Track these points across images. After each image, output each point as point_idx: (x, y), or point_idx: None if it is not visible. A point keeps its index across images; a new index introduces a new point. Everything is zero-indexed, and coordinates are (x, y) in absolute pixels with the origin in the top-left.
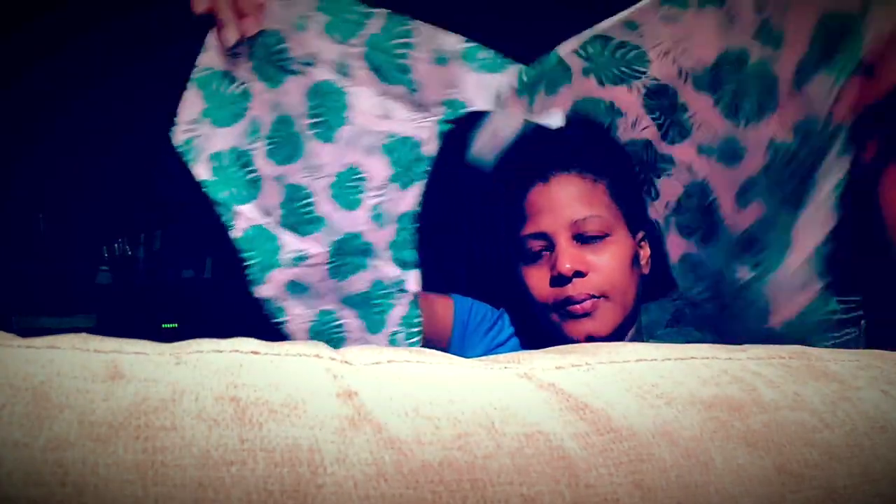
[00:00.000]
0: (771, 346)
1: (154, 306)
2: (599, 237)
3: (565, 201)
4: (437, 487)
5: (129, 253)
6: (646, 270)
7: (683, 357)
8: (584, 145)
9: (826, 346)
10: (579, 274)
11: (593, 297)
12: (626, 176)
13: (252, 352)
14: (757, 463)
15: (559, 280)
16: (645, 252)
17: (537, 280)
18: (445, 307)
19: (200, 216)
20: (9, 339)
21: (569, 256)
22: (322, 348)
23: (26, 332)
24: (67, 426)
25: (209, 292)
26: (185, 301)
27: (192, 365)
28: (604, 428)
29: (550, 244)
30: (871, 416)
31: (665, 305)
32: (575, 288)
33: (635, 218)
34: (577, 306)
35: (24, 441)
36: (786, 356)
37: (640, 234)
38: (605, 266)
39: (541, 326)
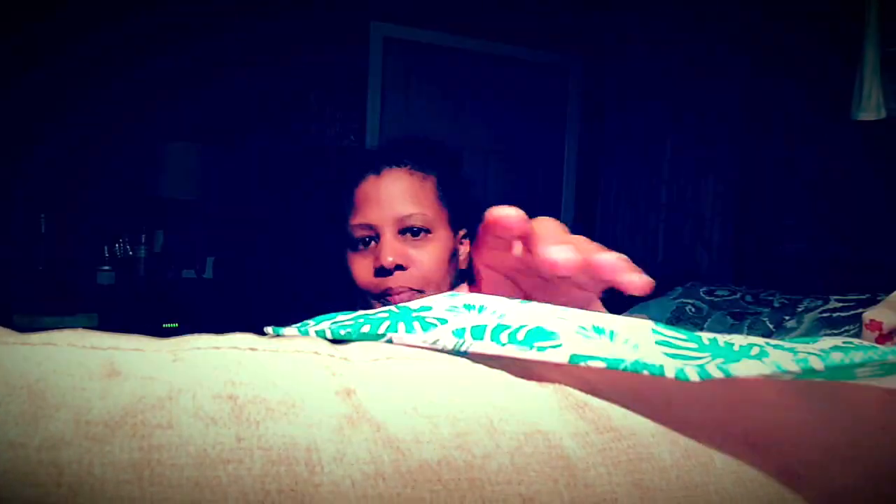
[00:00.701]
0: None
1: (155, 306)
2: (423, 231)
3: (395, 196)
4: (436, 486)
5: (131, 253)
6: (463, 266)
7: None
8: (417, 143)
9: None
10: (400, 267)
11: (412, 290)
12: (453, 174)
13: (250, 348)
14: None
15: (382, 271)
16: (465, 248)
17: (361, 268)
18: None
19: (201, 216)
20: (5, 335)
21: (391, 249)
22: (321, 345)
23: (27, 331)
24: (63, 425)
25: (209, 292)
26: (186, 301)
27: (190, 362)
28: (603, 427)
29: (376, 235)
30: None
31: (665, 304)
32: (396, 280)
33: (459, 215)
34: (396, 297)
35: (20, 440)
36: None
37: (462, 232)
38: (425, 262)
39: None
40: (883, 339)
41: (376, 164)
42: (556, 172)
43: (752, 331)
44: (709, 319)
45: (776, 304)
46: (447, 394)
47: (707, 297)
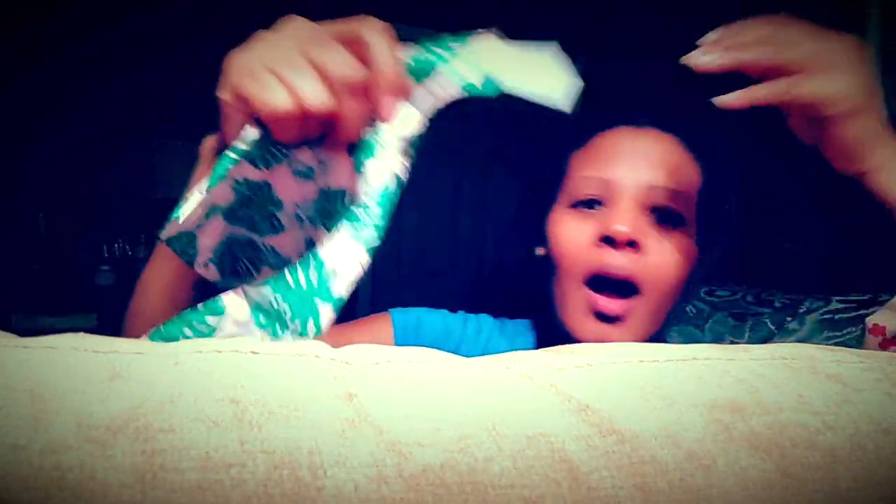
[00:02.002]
0: (774, 347)
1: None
2: (675, 220)
3: (653, 160)
4: (438, 490)
5: (130, 253)
6: (686, 299)
7: (685, 358)
8: (691, 115)
9: (829, 346)
10: (633, 244)
11: (630, 287)
12: (720, 185)
13: (252, 352)
14: (759, 465)
15: (607, 241)
16: (693, 269)
17: (574, 230)
18: (383, 326)
19: None
20: (6, 339)
21: (629, 218)
22: (322, 348)
23: (26, 331)
24: (65, 429)
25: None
26: None
27: (192, 366)
28: (606, 430)
29: (608, 199)
30: (874, 419)
31: None
32: (617, 260)
33: (704, 231)
34: (605, 300)
35: (21, 444)
36: (788, 357)
37: (697, 256)
38: (665, 256)
39: (548, 311)
40: (886, 343)
41: (636, 117)
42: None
43: (753, 332)
44: (710, 321)
45: (777, 305)
46: (449, 397)
47: (708, 298)
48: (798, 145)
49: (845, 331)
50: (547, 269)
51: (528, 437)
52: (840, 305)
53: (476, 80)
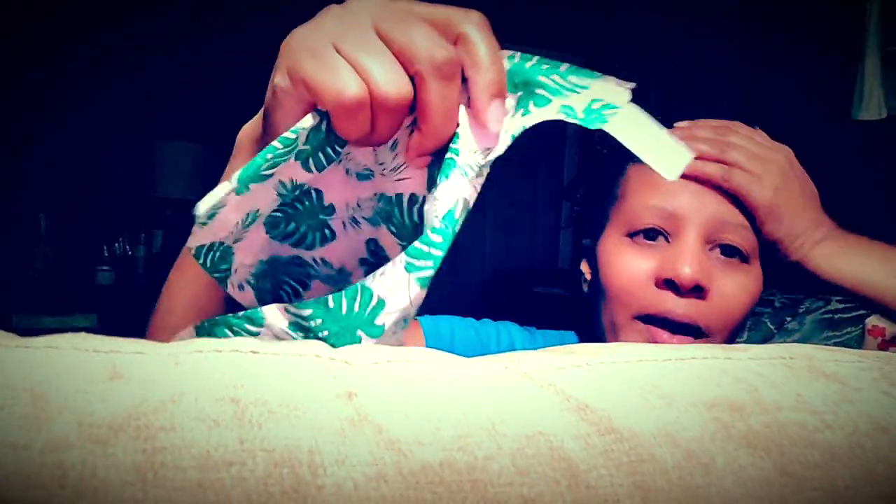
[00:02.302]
0: (772, 346)
1: (154, 306)
2: (740, 256)
3: (719, 192)
4: (438, 488)
5: (130, 253)
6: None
7: (684, 357)
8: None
9: (828, 346)
10: (698, 290)
11: (693, 330)
12: None
13: (251, 351)
14: (758, 464)
15: (670, 284)
16: None
17: (633, 266)
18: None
19: None
20: (7, 338)
21: (696, 261)
22: (321, 348)
23: (26, 331)
24: (66, 428)
25: None
26: None
27: (192, 365)
28: (605, 429)
29: (670, 232)
30: (873, 418)
31: None
32: (683, 307)
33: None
34: (665, 335)
35: (23, 443)
36: (787, 356)
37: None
38: (732, 297)
39: (594, 329)
40: (885, 344)
41: None
42: (558, 180)
43: (753, 332)
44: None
45: (777, 304)
46: (448, 396)
47: None
48: (799, 147)
49: (845, 331)
50: (596, 292)
51: (528, 435)
52: (840, 305)
53: (583, 115)
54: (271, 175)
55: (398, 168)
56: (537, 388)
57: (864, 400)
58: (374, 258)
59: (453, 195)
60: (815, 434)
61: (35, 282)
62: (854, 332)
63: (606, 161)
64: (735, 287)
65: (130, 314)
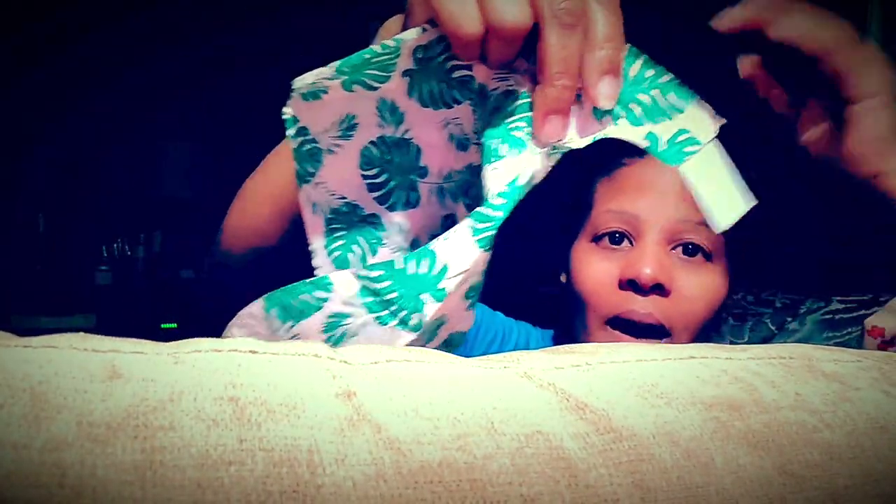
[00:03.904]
0: (771, 346)
1: (153, 306)
2: (701, 254)
3: (680, 192)
4: (437, 488)
5: (129, 253)
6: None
7: (682, 357)
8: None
9: (828, 346)
10: (659, 288)
11: (657, 330)
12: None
13: (250, 351)
14: (757, 463)
15: (632, 286)
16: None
17: (598, 270)
18: None
19: (199, 216)
20: (6, 338)
21: (655, 261)
22: (321, 347)
23: (25, 331)
24: (66, 427)
25: (208, 292)
26: (185, 301)
27: (191, 364)
28: (604, 428)
29: (633, 235)
30: (872, 417)
31: None
32: (644, 306)
33: (735, 263)
34: (627, 334)
35: (22, 442)
36: (786, 356)
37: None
38: (693, 295)
39: (571, 332)
40: (885, 345)
41: None
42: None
43: (754, 332)
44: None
45: (778, 305)
46: (447, 395)
47: None
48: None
49: (846, 331)
50: (571, 296)
51: (527, 435)
52: (840, 306)
53: (665, 147)
54: (377, 88)
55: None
56: (536, 387)
57: (863, 399)
58: None
59: (523, 165)
60: (814, 433)
61: (34, 282)
62: (855, 332)
63: (578, 172)
64: (697, 285)
65: (129, 314)
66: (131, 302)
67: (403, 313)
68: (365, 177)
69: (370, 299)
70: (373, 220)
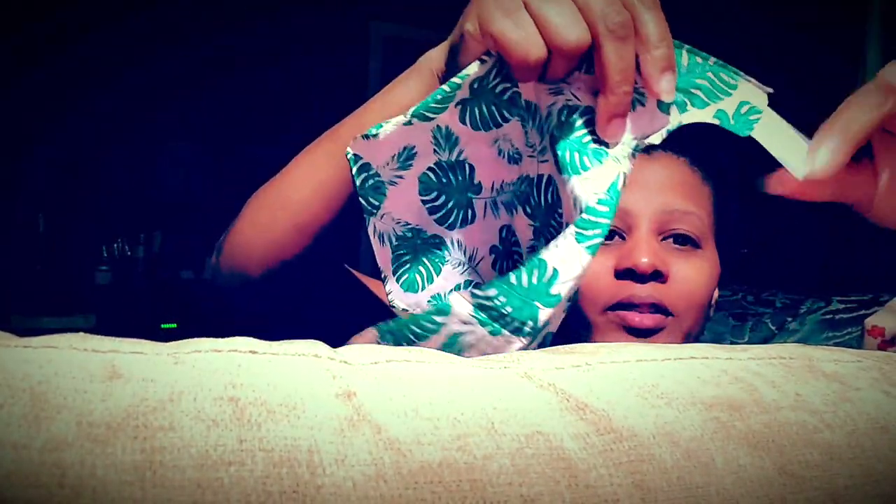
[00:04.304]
0: (772, 346)
1: (153, 306)
2: (690, 242)
3: (666, 185)
4: (437, 488)
5: (129, 253)
6: (710, 312)
7: (683, 357)
8: (702, 135)
9: (828, 346)
10: (657, 275)
11: (661, 309)
12: (731, 194)
13: (250, 351)
14: (758, 464)
15: (627, 275)
16: (716, 293)
17: (593, 265)
18: None
19: (200, 216)
20: (6, 338)
21: (650, 249)
22: (321, 348)
23: (25, 331)
24: (65, 427)
25: (208, 292)
26: (185, 301)
27: (191, 365)
28: (604, 428)
29: (623, 229)
30: (872, 417)
31: None
32: (645, 290)
33: (723, 245)
34: (637, 317)
35: (22, 442)
36: (786, 356)
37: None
38: (689, 279)
39: (570, 327)
40: (885, 345)
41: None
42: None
43: (754, 332)
44: (710, 320)
45: (778, 305)
46: (447, 396)
47: None
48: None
49: (846, 331)
50: None
51: (527, 435)
52: (841, 306)
53: (734, 121)
54: (433, 119)
55: (545, 150)
56: (536, 387)
57: (863, 399)
58: (504, 245)
59: (615, 170)
60: (814, 433)
61: (34, 282)
62: (855, 332)
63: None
64: (692, 270)
65: (129, 314)
66: (131, 302)
67: (517, 323)
68: (425, 201)
69: (485, 315)
70: (435, 241)
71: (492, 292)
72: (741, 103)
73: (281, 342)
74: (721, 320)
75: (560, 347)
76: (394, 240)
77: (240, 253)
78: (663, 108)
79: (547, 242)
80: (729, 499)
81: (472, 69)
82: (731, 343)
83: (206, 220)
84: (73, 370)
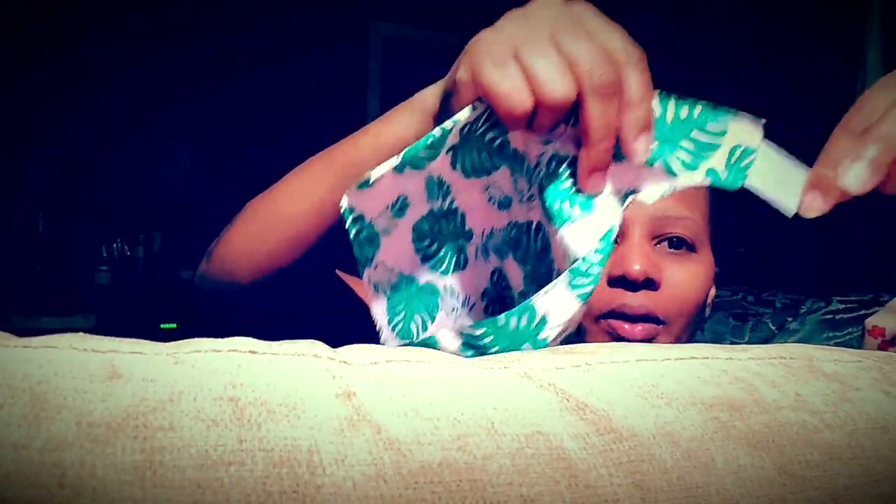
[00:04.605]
0: (772, 346)
1: (153, 307)
2: (686, 247)
3: None
4: (437, 488)
5: (129, 253)
6: (707, 312)
7: (683, 357)
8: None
9: (828, 346)
10: (649, 283)
11: (652, 319)
12: (729, 194)
13: (250, 351)
14: (758, 464)
15: (620, 282)
16: (713, 291)
17: None
18: None
19: (200, 216)
20: (6, 338)
21: (643, 256)
22: (320, 348)
23: (25, 331)
24: (65, 427)
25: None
26: (184, 301)
27: (191, 365)
28: (604, 428)
29: (616, 236)
30: (872, 417)
31: None
32: (638, 299)
33: (718, 245)
34: (628, 328)
35: (22, 442)
36: (787, 356)
37: (716, 269)
38: (682, 285)
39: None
40: (885, 345)
41: None
42: None
43: (754, 332)
44: (710, 320)
45: (778, 305)
46: (447, 396)
47: None
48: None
49: (846, 331)
50: None
51: (527, 435)
52: (841, 306)
53: (725, 175)
54: (425, 167)
55: (533, 197)
56: (536, 387)
57: (863, 399)
58: (496, 289)
59: (606, 221)
60: (814, 434)
61: (34, 282)
62: (856, 332)
63: None
64: (685, 275)
65: (129, 314)
66: (131, 302)
67: None
68: (418, 249)
69: (472, 352)
70: (428, 289)
71: (480, 331)
72: (733, 149)
73: (281, 342)
74: (721, 320)
75: (560, 347)
76: (388, 290)
77: (229, 262)
78: (649, 160)
79: (538, 287)
80: (729, 499)
81: (464, 114)
82: (732, 343)
83: (206, 220)
84: (73, 370)
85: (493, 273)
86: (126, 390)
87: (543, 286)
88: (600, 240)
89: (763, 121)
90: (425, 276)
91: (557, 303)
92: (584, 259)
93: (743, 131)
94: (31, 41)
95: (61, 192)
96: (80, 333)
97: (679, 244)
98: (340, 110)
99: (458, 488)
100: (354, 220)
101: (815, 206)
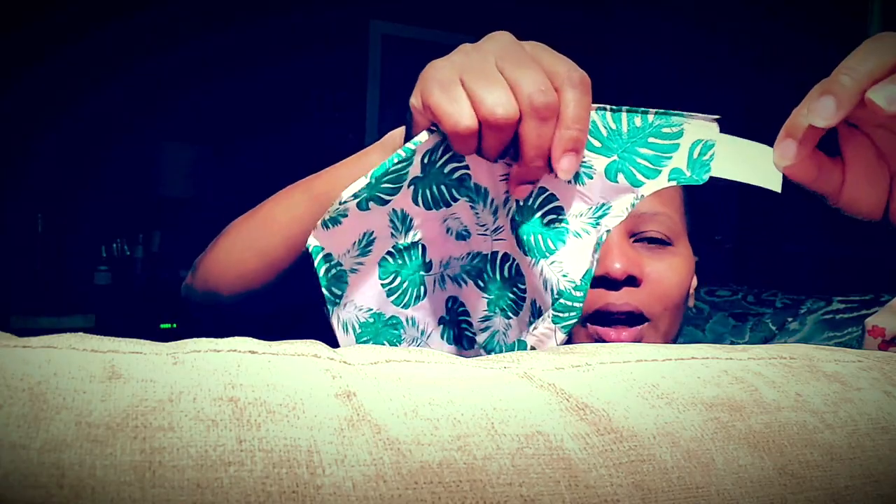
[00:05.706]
0: (772, 347)
1: (152, 307)
2: (662, 242)
3: None
4: (437, 488)
5: (128, 253)
6: (691, 303)
7: (684, 357)
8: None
9: (828, 346)
10: (631, 280)
11: (637, 317)
12: (704, 186)
13: (250, 351)
14: (758, 464)
15: (602, 282)
16: (694, 282)
17: None
18: None
19: (199, 217)
20: (5, 339)
21: (622, 254)
22: (320, 348)
23: (24, 332)
24: (65, 427)
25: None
26: (184, 302)
27: (190, 365)
28: (604, 429)
29: None
30: (873, 418)
31: None
32: (620, 298)
33: (697, 236)
34: (614, 333)
35: (21, 442)
36: (787, 356)
37: (695, 259)
38: (663, 278)
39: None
40: (886, 345)
41: None
42: None
43: (754, 332)
44: (710, 321)
45: (778, 305)
46: (447, 396)
47: (708, 298)
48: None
49: (846, 331)
50: None
51: (527, 435)
52: (841, 306)
53: (689, 172)
54: (389, 202)
55: (499, 230)
56: (536, 388)
57: (864, 400)
58: (450, 315)
59: (587, 258)
60: (815, 434)
61: (33, 282)
62: (855, 332)
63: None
64: (665, 269)
65: (129, 314)
66: (130, 302)
67: None
68: (383, 285)
69: None
70: (392, 322)
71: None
72: (692, 145)
73: (280, 342)
74: (721, 320)
75: (560, 347)
76: (357, 328)
77: (212, 277)
78: (610, 177)
79: (505, 313)
80: (729, 499)
81: (423, 137)
82: (732, 343)
83: (206, 220)
84: (73, 370)
85: (447, 300)
86: (125, 390)
87: (512, 312)
88: (582, 277)
89: (716, 116)
90: (390, 311)
91: (544, 337)
92: (565, 294)
93: (699, 129)
94: (31, 41)
95: (61, 192)
96: (80, 333)
97: (654, 241)
98: (339, 109)
99: (457, 488)
100: (322, 259)
101: (789, 154)
